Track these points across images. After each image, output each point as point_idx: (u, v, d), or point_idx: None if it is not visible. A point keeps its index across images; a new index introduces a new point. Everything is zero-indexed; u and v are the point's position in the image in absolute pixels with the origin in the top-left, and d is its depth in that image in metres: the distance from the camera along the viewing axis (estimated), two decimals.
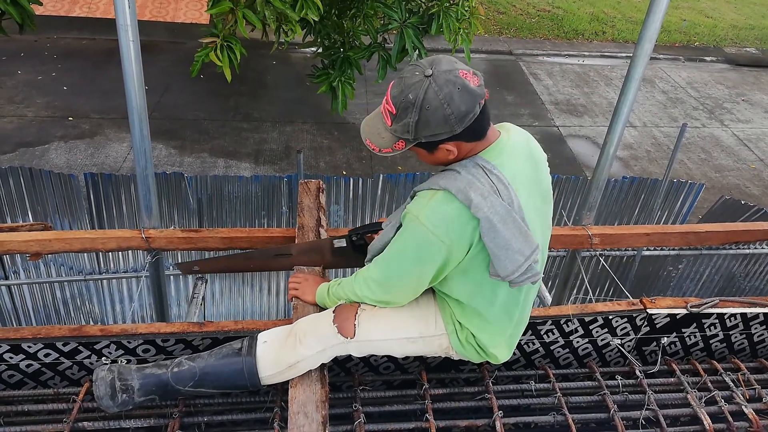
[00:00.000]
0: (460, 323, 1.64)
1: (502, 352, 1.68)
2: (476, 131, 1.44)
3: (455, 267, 1.51)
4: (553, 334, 2.01)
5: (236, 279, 4.54)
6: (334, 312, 1.69)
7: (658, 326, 2.06)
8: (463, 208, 1.40)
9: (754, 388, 1.91)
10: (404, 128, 1.41)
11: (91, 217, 3.89)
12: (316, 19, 3.27)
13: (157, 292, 2.40)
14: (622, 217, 4.79)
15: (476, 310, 1.60)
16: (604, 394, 1.87)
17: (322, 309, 1.82)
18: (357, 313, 1.67)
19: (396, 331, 1.67)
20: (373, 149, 1.50)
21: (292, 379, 1.65)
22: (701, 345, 2.13)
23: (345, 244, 1.96)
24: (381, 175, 4.25)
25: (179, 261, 3.74)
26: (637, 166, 7.68)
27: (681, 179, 4.76)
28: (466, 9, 3.72)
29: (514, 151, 1.53)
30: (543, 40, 10.32)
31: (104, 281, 4.15)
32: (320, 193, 2.35)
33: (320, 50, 4.13)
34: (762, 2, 13.14)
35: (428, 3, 3.77)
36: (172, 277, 3.94)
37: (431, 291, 1.70)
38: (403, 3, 3.65)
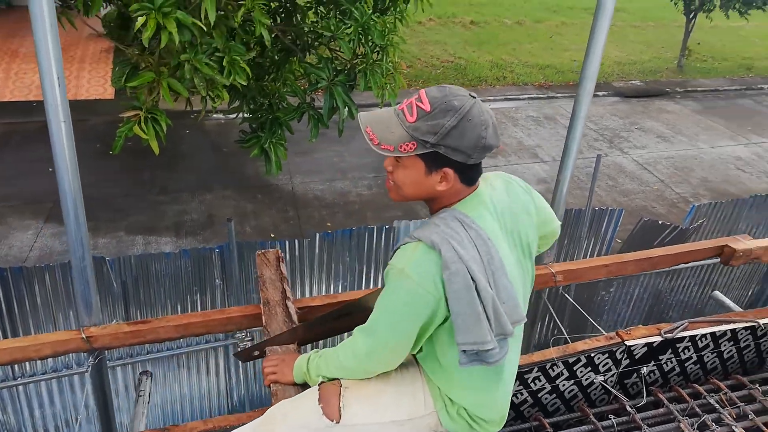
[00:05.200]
0: (450, 398, 1.55)
1: (495, 419, 1.59)
2: (474, 175, 1.42)
3: (441, 325, 1.42)
4: (540, 381, 1.96)
5: (171, 363, 4.24)
6: (318, 392, 1.55)
7: (636, 357, 2.07)
8: (440, 258, 1.33)
9: (738, 407, 1.94)
10: (433, 128, 1.31)
11: (1, 318, 3.50)
12: (245, 83, 3.19)
13: (100, 394, 2.14)
14: (552, 249, 4.91)
15: (463, 378, 1.51)
16: None
17: (304, 389, 1.68)
18: (341, 393, 1.54)
19: (384, 413, 1.55)
20: (372, 140, 1.37)
21: None
22: (677, 369, 2.16)
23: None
24: (317, 234, 4.15)
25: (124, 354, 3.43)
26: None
27: (595, 207, 4.99)
28: (390, 64, 3.78)
29: (493, 203, 1.49)
30: None
31: (20, 387, 3.72)
32: (281, 263, 2.22)
33: (247, 115, 4.05)
34: (640, 40, 14.46)
35: (352, 61, 3.80)
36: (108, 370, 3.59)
37: (417, 367, 1.60)
38: (329, 62, 3.66)
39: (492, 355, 1.38)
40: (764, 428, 1.85)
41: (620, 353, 2.04)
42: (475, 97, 1.34)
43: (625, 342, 2.03)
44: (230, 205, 7.27)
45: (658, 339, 2.06)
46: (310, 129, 3.87)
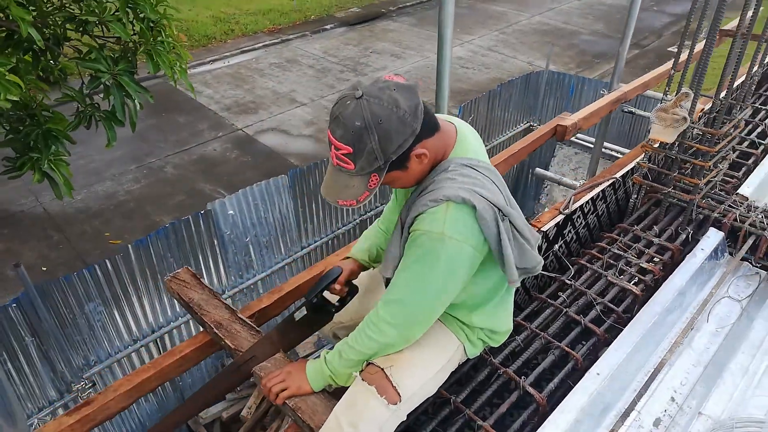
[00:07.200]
0: (468, 327, 1.65)
1: (508, 328, 1.73)
2: (431, 123, 1.41)
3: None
4: None
5: None
6: (372, 384, 1.48)
7: (551, 238, 2.35)
8: (474, 210, 1.36)
9: (634, 247, 2.36)
10: (370, 158, 1.31)
11: None
12: (17, 99, 2.54)
13: None
14: None
15: (479, 304, 1.60)
16: (565, 312, 2.07)
17: (326, 394, 1.59)
18: (388, 374, 1.51)
19: (429, 369, 1.60)
20: (352, 204, 1.39)
21: None
22: (575, 238, 2.51)
23: (306, 312, 1.70)
24: (129, 246, 3.68)
25: None
26: (326, 138, 8.22)
27: None
28: (170, 39, 3.36)
29: (475, 140, 1.55)
30: None
31: None
32: (201, 279, 1.95)
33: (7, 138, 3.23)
34: None
35: (126, 44, 3.27)
36: None
37: None
38: (101, 52, 3.09)
39: (538, 269, 1.50)
40: (657, 255, 2.30)
41: (541, 240, 2.29)
42: (360, 96, 1.31)
43: (542, 229, 2.29)
44: None
45: (562, 217, 2.36)
46: (107, 131, 3.30)
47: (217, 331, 1.76)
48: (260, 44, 10.52)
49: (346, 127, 1.30)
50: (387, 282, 1.59)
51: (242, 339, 1.75)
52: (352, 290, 1.74)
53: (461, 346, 1.66)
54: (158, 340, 3.89)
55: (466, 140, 1.49)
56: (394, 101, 1.29)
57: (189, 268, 2.01)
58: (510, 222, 1.42)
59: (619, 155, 5.39)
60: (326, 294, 1.71)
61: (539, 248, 2.32)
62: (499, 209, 1.38)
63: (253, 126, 8.37)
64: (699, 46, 2.40)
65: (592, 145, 5.84)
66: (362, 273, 1.85)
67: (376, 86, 1.32)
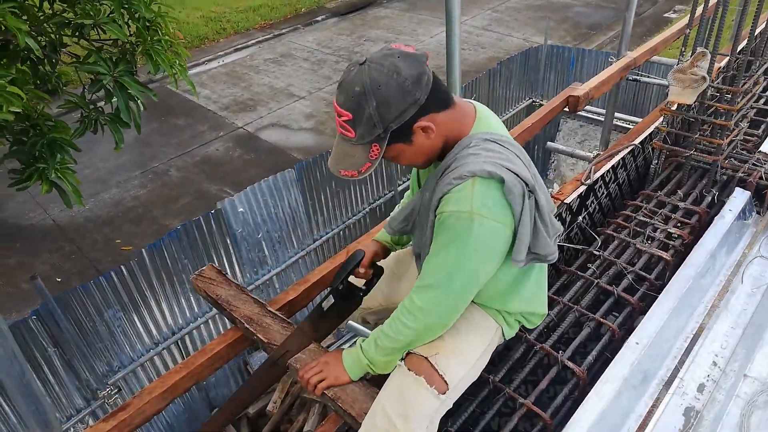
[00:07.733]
0: (507, 311, 1.61)
1: (544, 310, 1.69)
2: (441, 98, 1.34)
3: None
4: None
5: None
6: (420, 375, 1.44)
7: (574, 210, 2.31)
8: (502, 185, 1.30)
9: (659, 213, 2.32)
10: (369, 125, 1.28)
11: None
12: (19, 110, 2.50)
13: None
14: None
15: (514, 292, 1.56)
16: (596, 283, 2.03)
17: (364, 382, 1.56)
18: (433, 363, 1.47)
19: (472, 355, 1.55)
20: (353, 176, 1.35)
21: None
22: (598, 208, 2.47)
23: (334, 300, 1.66)
24: (142, 250, 3.66)
25: None
26: (327, 130, 8.15)
27: None
28: (166, 37, 3.30)
29: (496, 121, 1.49)
30: None
31: None
32: (226, 275, 1.92)
33: (13, 149, 3.19)
34: None
35: (124, 45, 3.22)
36: None
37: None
38: (99, 54, 3.05)
39: (552, 258, 1.45)
40: (684, 220, 2.26)
41: (565, 212, 2.25)
42: (363, 62, 1.29)
43: (565, 201, 2.25)
44: None
45: (584, 188, 2.32)
46: (114, 134, 3.26)
47: (248, 326, 1.73)
48: (253, 41, 10.43)
49: (347, 93, 1.28)
50: (417, 258, 1.55)
51: (274, 332, 1.72)
52: (378, 272, 1.70)
53: (499, 329, 1.62)
54: (179, 341, 3.88)
55: (488, 119, 1.43)
56: (395, 68, 1.26)
57: (213, 265, 1.98)
58: (535, 200, 1.36)
59: (627, 125, 5.32)
60: (352, 280, 1.67)
61: (563, 221, 2.28)
62: (526, 183, 1.33)
63: (253, 123, 8.31)
64: (712, 1, 2.34)
65: (597, 117, 5.78)
66: (389, 257, 1.81)
67: (380, 53, 1.30)
